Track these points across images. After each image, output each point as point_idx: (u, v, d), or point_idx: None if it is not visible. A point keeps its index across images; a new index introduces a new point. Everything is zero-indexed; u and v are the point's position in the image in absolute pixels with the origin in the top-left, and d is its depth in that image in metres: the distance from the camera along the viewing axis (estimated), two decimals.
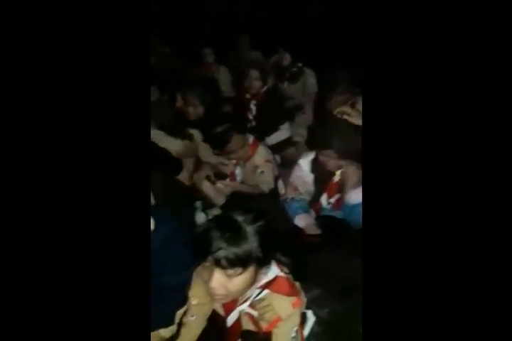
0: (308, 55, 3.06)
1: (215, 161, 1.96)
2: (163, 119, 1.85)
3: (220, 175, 1.92)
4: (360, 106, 1.76)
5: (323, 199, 1.57)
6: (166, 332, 0.99)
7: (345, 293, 1.16)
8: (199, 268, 0.98)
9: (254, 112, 2.42)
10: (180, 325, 1.01)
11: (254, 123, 2.37)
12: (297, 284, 0.95)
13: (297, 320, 0.89)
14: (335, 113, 1.61)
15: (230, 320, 0.95)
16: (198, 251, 0.80)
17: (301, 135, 2.40)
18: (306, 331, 0.99)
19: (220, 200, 1.87)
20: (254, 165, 1.82)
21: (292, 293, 0.89)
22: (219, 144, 1.74)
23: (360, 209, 1.30)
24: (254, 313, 0.92)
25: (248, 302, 0.91)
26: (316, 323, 1.03)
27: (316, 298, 1.08)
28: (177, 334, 1.00)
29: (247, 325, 0.95)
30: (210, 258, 0.77)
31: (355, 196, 1.43)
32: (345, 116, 1.53)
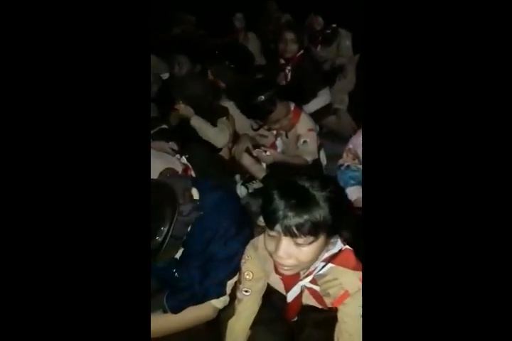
0: (342, 15, 2.83)
1: (254, 133, 1.87)
2: (197, 90, 1.76)
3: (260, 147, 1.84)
4: None
5: None
6: (218, 302, 0.97)
7: None
8: (255, 240, 0.93)
9: (289, 78, 2.27)
10: (233, 299, 0.98)
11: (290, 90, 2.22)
12: None
13: None
14: None
15: (291, 295, 0.89)
16: (265, 219, 0.74)
17: (343, 101, 2.23)
18: None
19: (261, 174, 1.79)
20: (297, 135, 1.70)
21: (358, 267, 0.81)
22: (262, 114, 1.62)
23: None
24: (317, 288, 0.86)
25: (311, 277, 0.85)
26: None
27: None
28: (233, 311, 0.97)
29: (309, 301, 0.90)
30: (277, 226, 0.71)
31: None
32: None
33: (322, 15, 2.82)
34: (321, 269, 0.83)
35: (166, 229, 0.87)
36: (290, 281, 0.87)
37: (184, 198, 0.94)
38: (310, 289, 0.87)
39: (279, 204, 0.70)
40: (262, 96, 1.56)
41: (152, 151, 1.30)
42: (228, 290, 0.97)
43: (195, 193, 1.00)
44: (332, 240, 0.81)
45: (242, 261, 0.95)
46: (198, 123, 1.75)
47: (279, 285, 0.91)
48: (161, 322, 0.97)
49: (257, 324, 0.97)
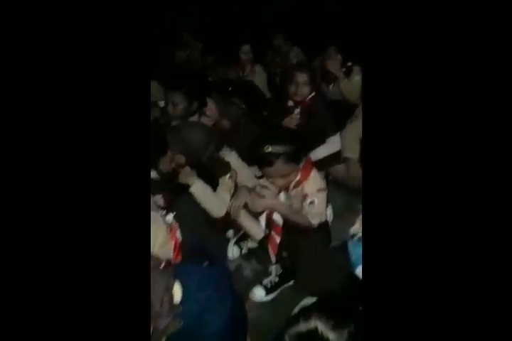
0: (357, 51, 2.68)
1: (253, 184, 1.64)
2: (196, 140, 1.52)
3: None
4: None
5: None
6: None
7: None
8: None
9: (297, 121, 2.06)
10: None
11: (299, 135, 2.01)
12: None
13: None
14: None
15: None
16: None
17: (353, 150, 2.02)
18: None
19: (259, 235, 1.55)
20: (303, 194, 1.46)
21: None
22: (266, 165, 1.38)
23: None
24: None
25: None
26: None
27: None
28: None
29: None
30: None
31: None
32: None
33: (339, 51, 2.63)
34: None
35: None
36: None
37: (162, 304, 0.74)
38: None
39: None
40: (270, 147, 1.34)
41: None
42: None
43: (177, 292, 0.79)
44: None
45: None
46: (198, 191, 1.49)
47: None
48: None
49: None
